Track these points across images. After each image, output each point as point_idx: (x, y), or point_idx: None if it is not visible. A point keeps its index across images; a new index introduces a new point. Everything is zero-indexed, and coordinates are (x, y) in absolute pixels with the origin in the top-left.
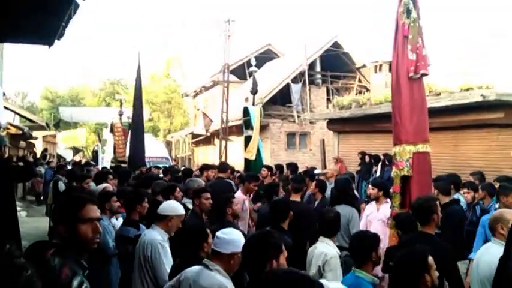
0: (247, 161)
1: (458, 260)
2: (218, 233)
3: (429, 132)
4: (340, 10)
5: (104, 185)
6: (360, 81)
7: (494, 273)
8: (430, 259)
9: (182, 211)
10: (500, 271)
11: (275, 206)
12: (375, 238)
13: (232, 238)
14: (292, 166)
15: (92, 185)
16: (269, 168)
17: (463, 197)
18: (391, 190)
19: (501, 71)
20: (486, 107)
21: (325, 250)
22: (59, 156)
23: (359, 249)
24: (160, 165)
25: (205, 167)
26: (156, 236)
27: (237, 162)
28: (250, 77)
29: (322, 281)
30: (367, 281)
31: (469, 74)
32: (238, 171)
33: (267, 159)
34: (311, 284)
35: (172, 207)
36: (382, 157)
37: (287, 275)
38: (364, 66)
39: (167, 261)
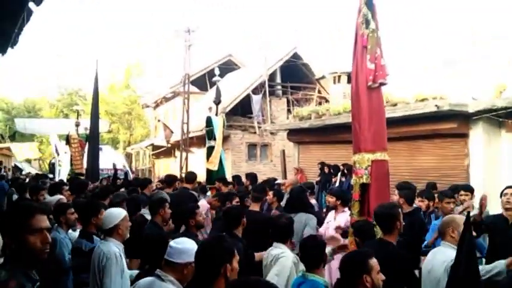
0: (209, 171)
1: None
2: (171, 243)
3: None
4: (300, 21)
5: (58, 196)
6: (319, 92)
7: (445, 275)
8: (372, 261)
9: (124, 212)
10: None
11: (228, 213)
12: (323, 243)
13: (185, 247)
14: (252, 176)
15: (47, 197)
16: (221, 180)
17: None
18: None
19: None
20: (440, 117)
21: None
22: (16, 169)
23: (312, 253)
24: (121, 178)
25: (174, 179)
26: (113, 248)
27: (198, 174)
28: (211, 87)
29: None
30: (323, 284)
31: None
32: (199, 182)
33: (228, 171)
34: None
35: (115, 214)
36: (341, 167)
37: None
38: (323, 77)
39: (123, 274)
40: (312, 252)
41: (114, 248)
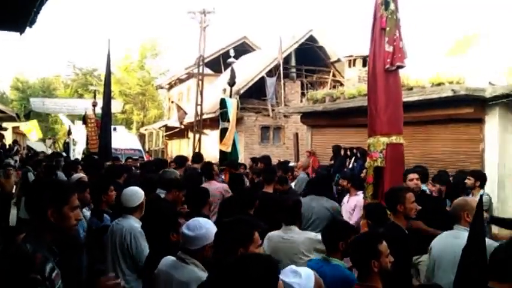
0: (222, 153)
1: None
2: (184, 230)
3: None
4: (316, 3)
5: (80, 175)
6: (334, 75)
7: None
8: (381, 246)
9: (142, 192)
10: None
11: (242, 194)
12: (345, 228)
13: (199, 233)
14: (266, 159)
15: (60, 175)
16: (230, 164)
17: (427, 188)
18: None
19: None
20: (456, 102)
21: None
22: (29, 148)
23: (329, 238)
24: (134, 158)
25: (185, 160)
26: (134, 224)
27: (211, 156)
28: (225, 69)
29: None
30: (345, 267)
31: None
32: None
33: (241, 153)
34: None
35: (137, 193)
36: (354, 151)
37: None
38: (338, 60)
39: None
40: (332, 237)
41: (136, 224)
